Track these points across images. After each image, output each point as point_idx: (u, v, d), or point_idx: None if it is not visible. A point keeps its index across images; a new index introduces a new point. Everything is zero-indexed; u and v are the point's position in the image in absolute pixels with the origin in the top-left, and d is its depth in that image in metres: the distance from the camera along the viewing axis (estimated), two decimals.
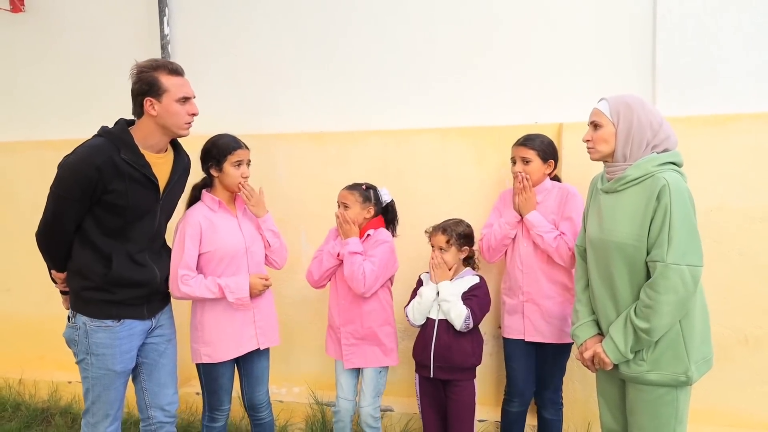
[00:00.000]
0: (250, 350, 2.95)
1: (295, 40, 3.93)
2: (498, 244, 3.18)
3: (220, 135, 2.91)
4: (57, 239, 2.51)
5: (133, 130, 2.50)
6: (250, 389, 3.06)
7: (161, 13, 4.01)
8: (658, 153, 2.32)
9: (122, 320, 2.52)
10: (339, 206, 3.13)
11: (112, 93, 4.04)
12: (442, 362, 3.00)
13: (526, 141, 3.07)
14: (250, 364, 3.04)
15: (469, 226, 3.12)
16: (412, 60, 3.75)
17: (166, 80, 2.44)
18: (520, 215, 3.10)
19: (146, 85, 2.43)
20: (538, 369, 3.18)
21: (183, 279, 2.75)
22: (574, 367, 3.31)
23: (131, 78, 2.47)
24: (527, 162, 3.05)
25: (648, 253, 2.27)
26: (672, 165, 2.30)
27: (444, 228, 3.06)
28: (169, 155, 2.62)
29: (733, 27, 3.31)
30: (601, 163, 2.50)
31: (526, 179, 3.04)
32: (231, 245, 2.88)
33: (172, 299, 2.82)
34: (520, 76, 3.60)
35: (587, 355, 2.46)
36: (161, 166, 2.56)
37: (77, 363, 2.57)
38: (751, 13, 3.30)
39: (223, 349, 2.90)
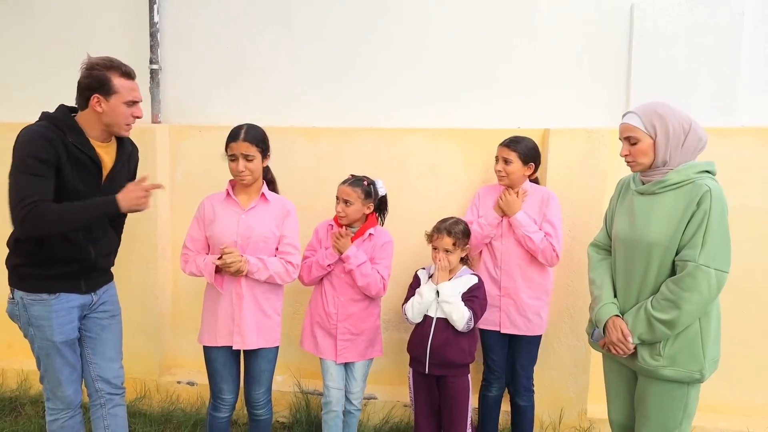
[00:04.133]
0: (225, 346, 2.93)
1: (289, 33, 3.95)
2: (478, 242, 3.31)
3: (240, 125, 2.90)
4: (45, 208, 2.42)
5: (77, 118, 2.55)
6: (247, 386, 3.06)
7: (151, 0, 3.95)
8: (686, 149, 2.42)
9: (57, 294, 2.57)
10: (339, 202, 3.14)
11: None
12: (438, 359, 3.05)
13: (510, 143, 3.22)
14: (248, 361, 3.03)
15: (466, 223, 3.18)
16: (406, 61, 3.86)
17: (117, 82, 2.50)
18: (503, 215, 3.23)
19: (97, 82, 2.48)
20: (510, 358, 3.35)
21: (182, 256, 2.97)
22: (549, 356, 3.53)
23: (81, 70, 2.51)
24: (508, 162, 3.19)
25: (677, 253, 2.37)
26: (708, 173, 2.40)
27: (449, 230, 3.08)
28: (112, 145, 2.67)
29: (701, 47, 3.62)
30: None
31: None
32: (221, 235, 2.90)
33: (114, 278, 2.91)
34: (509, 83, 3.78)
35: (615, 336, 2.50)
36: (104, 155, 2.62)
37: (25, 337, 2.65)
38: (715, 37, 3.61)
39: (206, 334, 2.97)
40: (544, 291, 3.29)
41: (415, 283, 3.22)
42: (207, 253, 2.99)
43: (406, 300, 3.19)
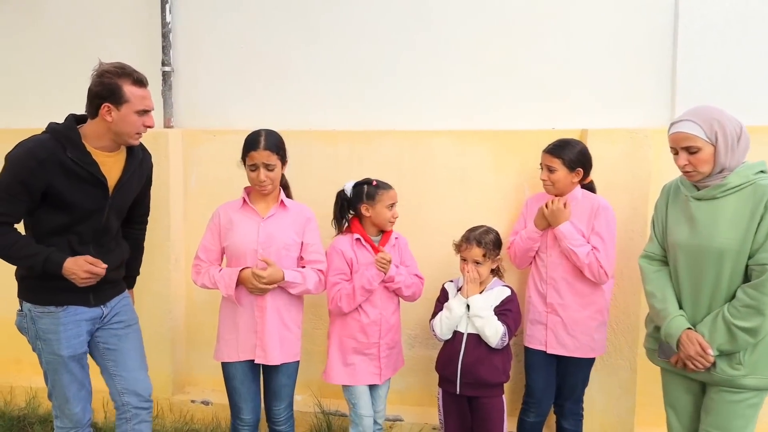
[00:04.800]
0: (247, 360, 2.84)
1: (306, 32, 3.77)
2: (523, 254, 3.17)
3: (257, 131, 2.81)
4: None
5: (83, 128, 2.50)
6: (267, 401, 2.97)
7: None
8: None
9: (65, 306, 2.53)
10: (392, 207, 2.98)
11: None
12: (470, 378, 2.89)
13: (553, 149, 3.02)
14: (268, 376, 2.94)
15: (497, 233, 3.04)
16: (430, 59, 3.64)
17: (129, 90, 2.44)
18: (547, 226, 3.05)
19: (107, 90, 2.42)
20: (559, 379, 3.13)
21: (194, 267, 2.88)
22: (591, 377, 3.26)
23: (92, 77, 2.46)
24: (552, 170, 3.00)
25: (750, 257, 2.30)
26: (763, 173, 2.36)
27: (479, 240, 2.94)
28: (121, 154, 2.61)
29: (754, 39, 3.33)
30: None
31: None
32: (240, 244, 2.80)
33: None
34: (542, 80, 3.53)
35: (693, 350, 2.37)
36: (111, 165, 2.56)
37: (33, 350, 2.61)
38: None
39: (226, 349, 2.87)
40: (597, 309, 3.04)
41: (443, 296, 3.07)
42: (220, 264, 2.90)
43: (434, 315, 3.04)
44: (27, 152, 2.38)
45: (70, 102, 3.82)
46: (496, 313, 2.88)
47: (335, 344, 3.01)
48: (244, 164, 2.81)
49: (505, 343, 2.88)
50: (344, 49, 3.74)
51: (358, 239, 2.97)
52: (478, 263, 2.93)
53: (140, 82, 2.49)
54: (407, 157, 3.59)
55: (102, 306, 2.65)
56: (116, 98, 2.42)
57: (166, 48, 3.83)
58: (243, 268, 2.75)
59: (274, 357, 2.81)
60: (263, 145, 2.73)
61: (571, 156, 2.98)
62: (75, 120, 2.53)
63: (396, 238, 3.05)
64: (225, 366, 2.88)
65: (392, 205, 2.96)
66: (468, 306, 2.90)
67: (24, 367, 3.99)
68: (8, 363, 4.06)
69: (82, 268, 2.44)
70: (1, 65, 4.14)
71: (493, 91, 3.58)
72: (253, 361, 2.83)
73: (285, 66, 3.80)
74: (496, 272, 3.06)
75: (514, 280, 3.38)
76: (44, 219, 2.47)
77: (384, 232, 3.02)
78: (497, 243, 2.99)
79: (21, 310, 2.59)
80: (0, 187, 2.38)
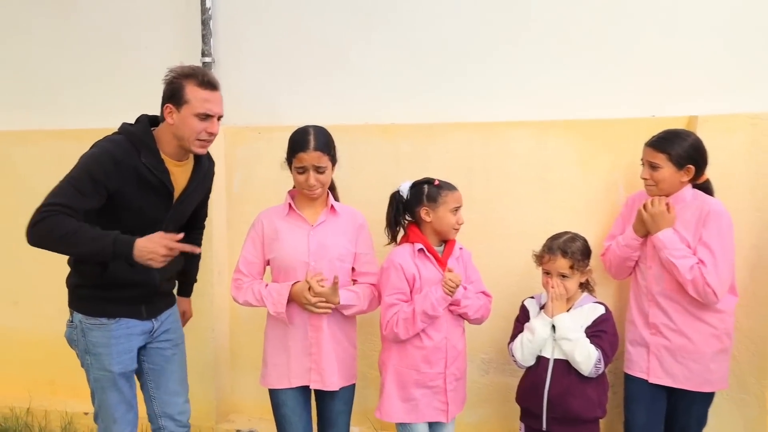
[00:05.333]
0: (300, 385, 2.60)
1: (360, 15, 3.40)
2: (619, 264, 2.77)
3: (303, 128, 2.57)
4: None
5: (156, 132, 2.45)
6: (321, 431, 2.73)
7: None
8: None
9: (118, 318, 2.46)
10: (457, 211, 2.61)
11: (139, 76, 3.60)
12: (558, 412, 2.56)
13: (657, 142, 2.60)
14: (322, 402, 2.70)
15: (585, 240, 2.68)
16: (504, 40, 3.21)
17: (191, 91, 2.34)
18: (646, 233, 2.65)
19: (171, 90, 2.37)
20: (668, 417, 2.68)
21: (234, 282, 2.67)
22: (712, 417, 2.76)
23: (164, 80, 2.40)
24: (655, 167, 2.59)
25: None
26: None
27: (564, 249, 2.60)
28: (189, 164, 2.53)
29: None
30: None
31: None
32: (289, 256, 2.57)
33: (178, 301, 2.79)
34: (640, 58, 3.06)
35: None
36: (179, 175, 2.50)
37: (81, 366, 2.53)
38: None
39: (275, 374, 2.64)
40: (714, 333, 2.59)
41: (523, 316, 2.76)
42: (262, 279, 2.66)
43: (513, 337, 2.73)
44: (105, 153, 2.32)
45: (107, 99, 3.77)
46: (588, 335, 2.55)
47: (391, 376, 2.62)
48: (290, 166, 2.58)
49: (600, 371, 2.54)
50: (403, 33, 3.36)
51: (420, 250, 2.59)
52: (564, 276, 2.60)
53: (208, 84, 2.37)
54: (478, 153, 3.19)
55: (153, 319, 2.57)
56: (177, 99, 2.34)
57: (206, 37, 3.52)
58: (294, 283, 2.51)
59: (332, 381, 2.56)
60: (313, 146, 2.50)
61: (679, 151, 2.54)
62: (149, 122, 2.46)
63: (460, 248, 2.70)
64: (273, 393, 2.65)
65: (457, 209, 2.60)
66: (554, 327, 2.58)
67: (59, 390, 3.79)
68: (43, 385, 3.85)
69: (159, 243, 2.25)
70: (35, 63, 3.92)
71: (580, 73, 3.13)
72: (307, 386, 2.60)
73: (339, 54, 3.45)
74: (585, 286, 2.71)
75: (610, 295, 2.98)
76: (99, 223, 2.31)
77: (446, 242, 2.66)
78: (586, 252, 2.65)
79: (71, 321, 2.51)
80: (70, 182, 2.27)
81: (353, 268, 2.65)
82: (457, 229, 2.62)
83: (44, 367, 3.76)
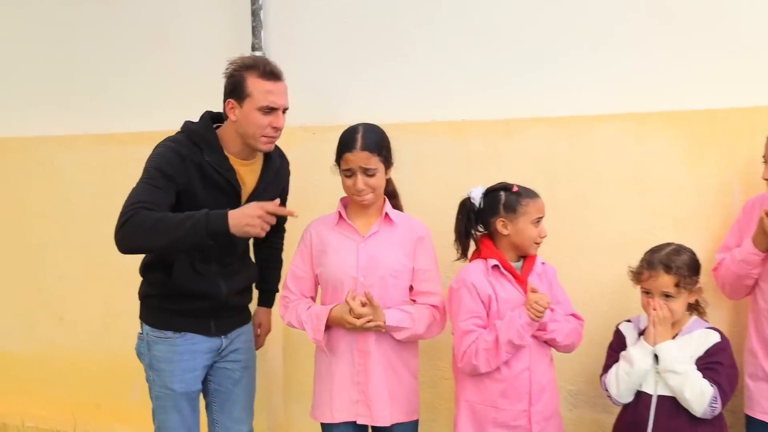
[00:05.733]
0: (347, 421, 2.36)
1: (429, 3, 3.10)
2: (735, 281, 2.38)
3: (352, 126, 2.39)
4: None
5: (220, 131, 2.36)
6: None
7: None
8: None
9: (183, 333, 2.38)
10: (539, 222, 2.31)
11: (184, 75, 3.45)
12: None
13: None
14: None
15: (692, 253, 2.31)
16: (591, 23, 2.85)
17: (253, 83, 2.24)
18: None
19: (231, 84, 2.27)
20: None
21: (282, 300, 2.48)
22: None
23: (224, 74, 2.31)
24: None
25: None
26: None
27: (667, 264, 2.24)
28: (257, 163, 2.43)
29: None
30: None
31: None
32: (335, 271, 2.36)
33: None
34: (756, 37, 2.63)
35: None
36: (246, 175, 2.39)
37: (146, 381, 2.46)
38: None
39: (321, 406, 2.43)
40: None
41: (618, 342, 2.40)
42: (314, 296, 2.47)
43: (606, 368, 2.38)
44: (169, 149, 2.28)
45: (151, 100, 3.54)
46: (699, 368, 2.17)
47: (465, 413, 2.33)
48: (339, 169, 2.38)
49: (716, 411, 2.15)
50: (475, 20, 3.04)
51: (495, 266, 2.28)
52: (668, 296, 2.23)
53: (271, 74, 2.26)
54: (562, 152, 2.84)
55: (222, 336, 2.47)
56: (239, 93, 2.24)
57: (256, 29, 3.28)
58: (333, 306, 2.30)
59: (382, 416, 2.31)
60: (360, 145, 2.29)
61: None
62: (211, 119, 2.39)
63: (542, 264, 2.39)
64: (324, 427, 2.46)
65: (539, 220, 2.29)
66: (656, 357, 2.20)
67: (103, 414, 3.66)
68: (88, 408, 3.71)
69: (254, 207, 2.12)
70: (79, 65, 3.77)
71: (685, 55, 2.72)
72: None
73: (402, 44, 3.16)
74: (694, 308, 2.35)
75: (724, 319, 2.57)
76: None
77: (526, 257, 2.35)
78: (694, 267, 2.28)
79: (141, 333, 2.47)
80: (143, 181, 2.23)
81: (411, 287, 2.39)
82: (539, 243, 2.30)
83: (90, 389, 3.65)
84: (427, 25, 3.10)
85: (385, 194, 2.43)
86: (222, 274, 2.41)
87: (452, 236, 2.42)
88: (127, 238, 2.15)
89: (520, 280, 2.26)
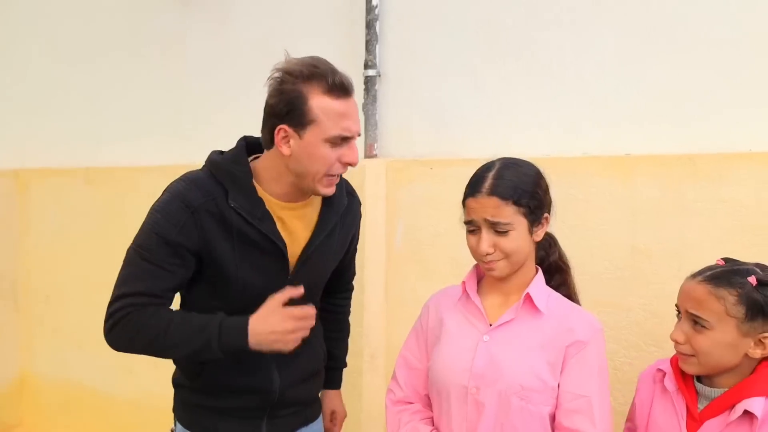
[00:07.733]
0: None
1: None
2: None
3: (489, 163, 1.66)
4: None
5: (257, 163, 1.74)
6: None
7: None
8: None
9: None
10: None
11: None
12: None
13: None
14: None
15: None
16: None
17: (319, 102, 1.59)
18: None
19: (285, 104, 1.60)
20: None
21: (388, 394, 1.80)
22: None
23: (268, 84, 1.64)
24: None
25: None
26: None
27: None
28: (312, 205, 1.78)
29: None
30: None
31: None
32: (443, 371, 1.66)
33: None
34: None
35: None
36: (295, 221, 1.75)
37: None
38: None
39: None
40: None
41: None
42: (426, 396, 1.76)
43: None
44: (176, 197, 1.66)
45: (256, 126, 3.20)
46: None
47: None
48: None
49: None
50: (642, 17, 2.28)
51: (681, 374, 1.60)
52: None
53: (341, 89, 1.61)
54: None
55: None
56: (297, 116, 1.59)
57: (370, 43, 2.71)
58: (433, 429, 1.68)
59: None
60: (488, 187, 1.56)
61: None
62: (247, 147, 1.75)
63: None
64: None
65: None
66: None
67: None
68: None
69: (282, 316, 1.60)
70: (187, 88, 3.44)
71: None
72: None
73: (548, 60, 2.45)
74: None
75: None
76: (189, 301, 1.76)
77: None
78: None
79: (174, 430, 1.94)
80: (138, 254, 1.66)
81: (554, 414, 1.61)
82: None
83: None
84: (577, 35, 2.38)
85: (539, 265, 1.72)
86: (275, 360, 1.79)
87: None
88: (118, 345, 1.68)
89: None
